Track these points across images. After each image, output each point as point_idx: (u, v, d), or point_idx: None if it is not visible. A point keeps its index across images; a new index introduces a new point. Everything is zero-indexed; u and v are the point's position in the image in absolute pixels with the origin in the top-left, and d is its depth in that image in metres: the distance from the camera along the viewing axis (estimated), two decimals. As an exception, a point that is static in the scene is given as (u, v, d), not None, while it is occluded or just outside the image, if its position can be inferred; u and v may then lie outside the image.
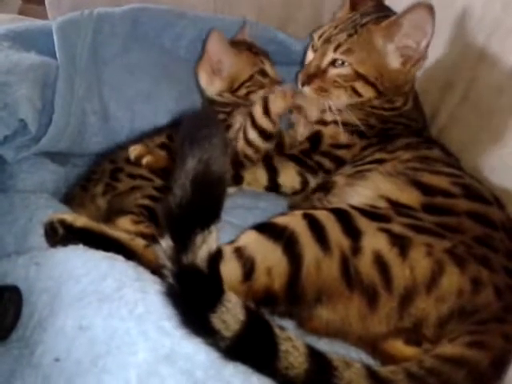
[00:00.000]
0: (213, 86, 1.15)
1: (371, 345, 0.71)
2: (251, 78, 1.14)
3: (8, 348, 0.65)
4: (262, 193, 1.12)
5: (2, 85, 0.89)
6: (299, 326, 0.73)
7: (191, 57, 1.24)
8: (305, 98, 1.10)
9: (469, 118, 1.09)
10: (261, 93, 1.12)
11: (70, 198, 0.98)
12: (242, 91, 1.14)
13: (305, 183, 1.04)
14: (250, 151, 1.03)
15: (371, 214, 0.77)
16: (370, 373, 0.58)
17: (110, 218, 0.91)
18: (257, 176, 1.06)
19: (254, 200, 1.11)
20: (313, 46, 1.11)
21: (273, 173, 1.05)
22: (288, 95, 1.01)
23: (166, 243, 0.60)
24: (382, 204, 0.82)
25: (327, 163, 1.05)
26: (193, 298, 0.59)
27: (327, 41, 1.05)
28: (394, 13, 1.09)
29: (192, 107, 1.18)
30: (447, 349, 0.64)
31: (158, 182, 1.00)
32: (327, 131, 1.07)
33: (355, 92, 1.04)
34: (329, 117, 1.08)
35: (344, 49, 1.01)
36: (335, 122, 1.06)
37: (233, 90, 1.14)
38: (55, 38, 1.03)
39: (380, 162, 0.98)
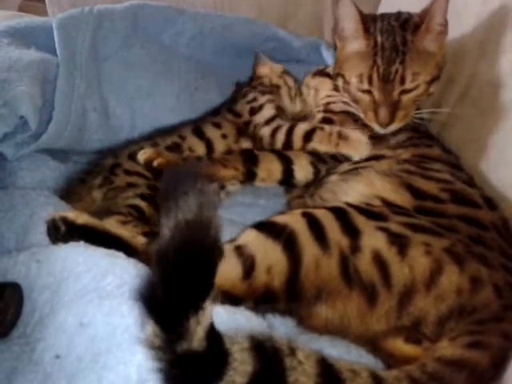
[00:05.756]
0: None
1: (371, 343, 0.71)
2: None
3: (9, 345, 0.65)
4: (262, 190, 1.12)
5: (1, 82, 0.89)
6: (299, 324, 0.73)
7: (191, 53, 1.24)
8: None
9: (469, 115, 1.09)
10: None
11: (69, 193, 0.97)
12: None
13: (317, 173, 1.05)
14: (266, 142, 1.10)
15: (368, 212, 0.77)
16: (376, 382, 0.58)
17: (101, 213, 0.89)
18: (271, 170, 1.05)
19: (254, 197, 1.12)
20: (361, 88, 1.04)
21: (288, 163, 1.05)
22: (333, 142, 1.03)
23: (150, 330, 0.50)
24: (377, 203, 0.83)
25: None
26: (197, 378, 0.51)
27: (386, 80, 0.99)
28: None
29: (191, 105, 1.18)
30: (447, 351, 0.64)
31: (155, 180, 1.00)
32: (337, 119, 1.10)
33: (429, 94, 1.04)
34: (338, 107, 1.10)
35: (410, 78, 0.98)
36: (344, 112, 1.09)
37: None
38: (55, 34, 1.03)
39: (379, 158, 0.99)
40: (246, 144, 1.14)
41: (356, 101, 1.06)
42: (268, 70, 1.27)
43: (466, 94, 1.10)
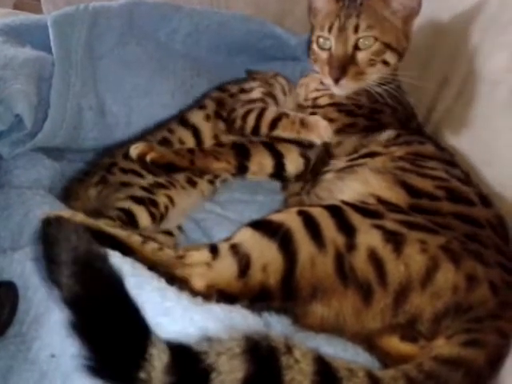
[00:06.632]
0: None
1: (367, 341, 0.71)
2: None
3: (5, 344, 0.65)
4: (260, 187, 1.12)
5: (-4, 80, 0.88)
6: (295, 322, 0.73)
7: (187, 51, 1.23)
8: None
9: (464, 113, 1.09)
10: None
11: (67, 192, 0.97)
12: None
13: (308, 162, 1.07)
14: (237, 124, 1.11)
15: (364, 210, 0.77)
16: (373, 381, 0.58)
17: (92, 215, 0.87)
18: (263, 164, 1.07)
19: (251, 194, 1.12)
20: (322, 45, 1.12)
21: (279, 157, 1.07)
22: (295, 130, 1.05)
23: None
24: (372, 201, 0.83)
25: None
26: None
27: (342, 29, 1.07)
28: None
29: (186, 102, 1.18)
30: (444, 349, 0.64)
31: (150, 179, 1.00)
32: (322, 112, 1.12)
33: (385, 63, 1.08)
34: (324, 101, 1.13)
35: (364, 26, 1.05)
36: (330, 105, 1.11)
37: None
38: (50, 32, 1.02)
39: (373, 155, 0.99)
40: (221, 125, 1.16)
41: (317, 61, 1.13)
42: (258, 81, 1.28)
43: (462, 93, 1.10)
